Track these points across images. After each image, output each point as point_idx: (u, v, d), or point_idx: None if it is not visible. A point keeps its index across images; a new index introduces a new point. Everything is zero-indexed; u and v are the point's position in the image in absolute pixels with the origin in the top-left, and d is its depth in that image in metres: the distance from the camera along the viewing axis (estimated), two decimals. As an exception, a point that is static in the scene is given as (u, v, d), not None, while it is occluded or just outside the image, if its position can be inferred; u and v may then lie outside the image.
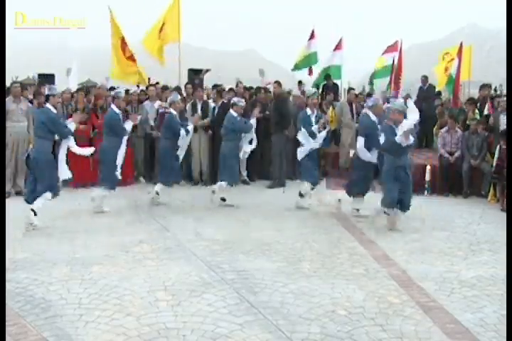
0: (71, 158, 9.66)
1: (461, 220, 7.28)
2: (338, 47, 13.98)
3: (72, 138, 7.00)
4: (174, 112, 8.02)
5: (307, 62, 13.60)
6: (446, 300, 4.45)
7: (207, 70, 12.21)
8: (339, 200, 7.69)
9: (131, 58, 11.16)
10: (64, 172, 6.95)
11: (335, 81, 13.44)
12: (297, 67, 13.79)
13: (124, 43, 11.11)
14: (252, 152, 8.55)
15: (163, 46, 11.64)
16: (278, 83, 10.38)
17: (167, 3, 11.76)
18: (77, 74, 16.17)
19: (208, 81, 12.22)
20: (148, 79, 11.93)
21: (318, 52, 13.50)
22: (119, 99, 7.85)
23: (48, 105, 6.92)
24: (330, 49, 14.00)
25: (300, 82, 13.33)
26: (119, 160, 7.56)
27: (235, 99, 8.30)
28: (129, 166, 10.03)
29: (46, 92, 7.35)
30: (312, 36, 13.56)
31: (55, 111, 6.97)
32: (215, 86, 11.34)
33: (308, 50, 13.53)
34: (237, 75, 13.72)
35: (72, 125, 6.96)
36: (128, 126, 7.71)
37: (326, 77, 13.16)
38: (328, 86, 12.90)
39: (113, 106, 7.75)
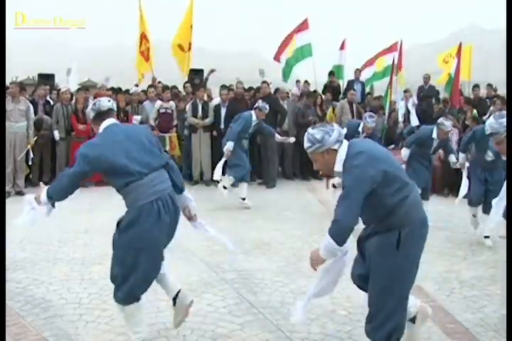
0: (72, 156, 9.75)
1: (461, 220, 7.27)
2: (341, 47, 13.96)
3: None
4: None
5: (297, 57, 12.62)
6: (446, 300, 4.46)
7: (212, 70, 12.18)
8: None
9: (143, 53, 11.28)
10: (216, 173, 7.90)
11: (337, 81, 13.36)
12: (289, 70, 12.71)
13: (143, 37, 11.27)
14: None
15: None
16: (267, 84, 10.45)
17: (179, 3, 11.87)
18: (77, 74, 16.16)
19: (208, 81, 12.19)
20: (159, 82, 11.99)
21: (312, 44, 12.52)
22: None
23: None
24: (330, 48, 13.94)
25: (305, 82, 13.22)
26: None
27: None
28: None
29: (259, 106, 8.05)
30: (305, 27, 12.55)
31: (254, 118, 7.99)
32: (223, 86, 11.32)
33: (300, 43, 12.53)
34: (237, 76, 13.64)
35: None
36: None
37: (330, 74, 13.06)
38: (330, 85, 12.81)
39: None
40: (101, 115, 3.50)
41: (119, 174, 3.32)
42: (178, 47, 12.06)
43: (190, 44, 11.93)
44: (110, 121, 3.50)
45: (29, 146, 8.89)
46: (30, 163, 9.09)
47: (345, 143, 3.11)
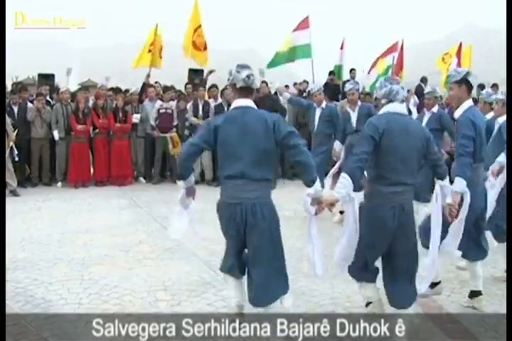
0: (71, 156, 9.73)
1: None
2: (341, 47, 13.96)
3: None
4: None
5: (292, 55, 12.47)
6: (446, 300, 4.45)
7: (211, 71, 12.15)
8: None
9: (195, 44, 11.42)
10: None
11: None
12: (277, 61, 12.49)
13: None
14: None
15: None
16: (266, 83, 10.45)
17: (167, 3, 11.87)
18: (77, 74, 16.15)
19: (208, 81, 12.17)
20: (156, 82, 11.96)
21: (311, 44, 12.34)
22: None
23: None
24: (329, 48, 13.96)
25: (305, 81, 13.14)
26: None
27: None
28: (129, 166, 10.06)
29: None
30: (306, 25, 12.32)
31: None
32: (213, 86, 11.21)
33: (298, 42, 12.34)
34: (237, 75, 13.58)
35: None
36: None
37: (330, 73, 13.02)
38: (328, 84, 12.75)
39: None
40: None
41: None
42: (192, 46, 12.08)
43: (194, 42, 11.90)
44: None
45: (11, 143, 8.67)
46: (16, 159, 8.88)
47: None
